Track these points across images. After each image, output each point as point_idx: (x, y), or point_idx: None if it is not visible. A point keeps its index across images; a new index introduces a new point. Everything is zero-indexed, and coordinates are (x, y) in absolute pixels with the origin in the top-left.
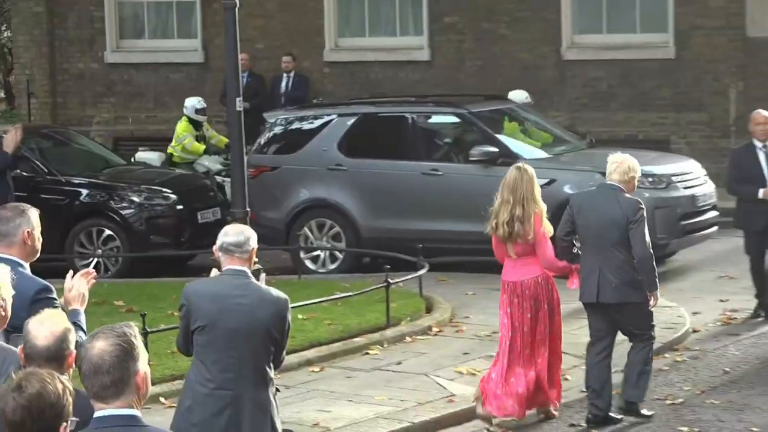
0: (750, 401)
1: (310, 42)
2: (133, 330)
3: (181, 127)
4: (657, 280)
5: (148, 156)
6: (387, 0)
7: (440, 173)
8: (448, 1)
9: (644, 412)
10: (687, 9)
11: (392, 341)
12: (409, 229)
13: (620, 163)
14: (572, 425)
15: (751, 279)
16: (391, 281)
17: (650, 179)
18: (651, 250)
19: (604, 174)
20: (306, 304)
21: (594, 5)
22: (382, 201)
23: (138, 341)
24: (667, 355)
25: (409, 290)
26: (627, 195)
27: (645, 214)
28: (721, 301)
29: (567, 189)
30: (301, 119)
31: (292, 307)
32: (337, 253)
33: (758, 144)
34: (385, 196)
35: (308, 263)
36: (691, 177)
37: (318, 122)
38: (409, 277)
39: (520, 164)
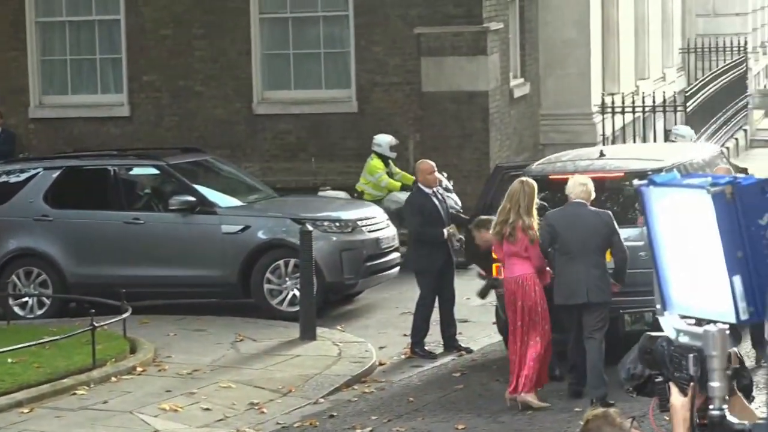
0: (432, 427)
1: (16, 100)
2: None
3: (374, 164)
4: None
5: (333, 193)
6: (88, 60)
7: (141, 222)
8: (146, 61)
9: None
10: (367, 67)
11: (98, 381)
12: (113, 275)
13: (582, 183)
14: None
15: (413, 320)
16: (96, 324)
17: (337, 224)
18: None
19: (294, 220)
20: (15, 349)
21: (282, 64)
22: (86, 249)
23: None
24: (355, 387)
25: (113, 332)
26: (594, 208)
27: None
28: (405, 335)
29: (260, 234)
30: (8, 173)
31: (1, 352)
32: (44, 299)
33: (428, 191)
34: (90, 244)
35: (17, 309)
36: (375, 221)
37: (24, 175)
38: (114, 320)
39: (524, 178)
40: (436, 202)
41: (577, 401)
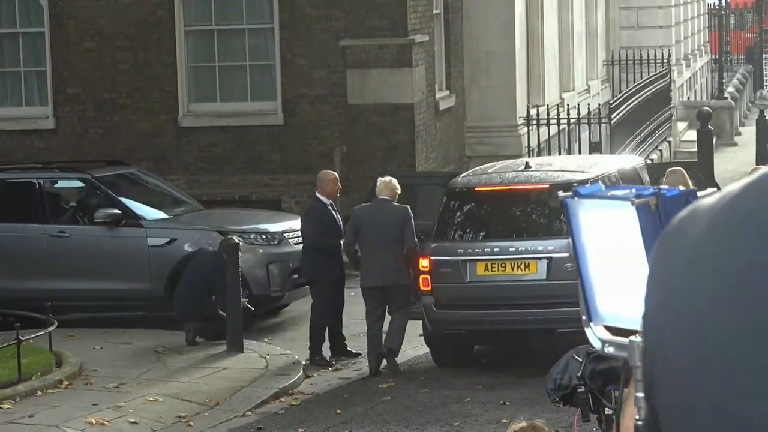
0: None
1: None
2: None
3: None
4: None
5: None
6: (12, 72)
7: (67, 235)
8: (71, 74)
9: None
10: (293, 79)
11: (24, 395)
12: (39, 289)
13: (388, 182)
14: None
15: (310, 329)
16: (21, 338)
17: (264, 236)
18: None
19: (220, 232)
20: None
21: (208, 76)
22: (11, 262)
23: None
24: (283, 400)
25: (39, 346)
26: (395, 203)
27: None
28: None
29: (187, 247)
30: None
31: None
32: None
33: (326, 201)
34: (15, 257)
35: None
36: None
37: None
38: (39, 333)
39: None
40: (333, 212)
41: (502, 412)
